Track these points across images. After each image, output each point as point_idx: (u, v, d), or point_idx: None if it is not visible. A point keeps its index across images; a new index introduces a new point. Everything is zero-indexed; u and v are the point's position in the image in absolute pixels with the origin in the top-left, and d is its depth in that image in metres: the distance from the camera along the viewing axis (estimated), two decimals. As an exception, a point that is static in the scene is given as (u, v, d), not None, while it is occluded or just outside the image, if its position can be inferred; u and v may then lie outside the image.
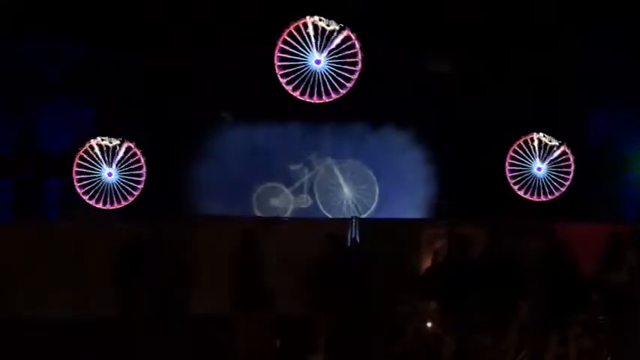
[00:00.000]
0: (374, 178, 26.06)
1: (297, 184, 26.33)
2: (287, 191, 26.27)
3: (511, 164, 25.32)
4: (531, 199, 25.21)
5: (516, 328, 12.07)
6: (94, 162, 24.86)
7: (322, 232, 12.89)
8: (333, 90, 24.57)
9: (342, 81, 24.57)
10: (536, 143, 25.21)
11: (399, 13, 24.86)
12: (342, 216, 24.00)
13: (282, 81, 24.36)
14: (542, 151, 25.23)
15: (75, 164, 24.69)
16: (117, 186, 24.98)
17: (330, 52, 24.54)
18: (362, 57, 24.45)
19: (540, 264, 11.96)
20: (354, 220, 15.72)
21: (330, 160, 26.28)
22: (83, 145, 24.89)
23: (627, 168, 25.10)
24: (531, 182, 25.29)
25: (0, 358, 12.75)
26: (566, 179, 25.12)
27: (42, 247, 15.20)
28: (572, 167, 25.11)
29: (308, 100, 24.46)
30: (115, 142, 24.97)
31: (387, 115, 25.03)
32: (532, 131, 25.37)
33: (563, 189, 25.10)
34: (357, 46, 24.53)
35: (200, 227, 14.61)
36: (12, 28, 24.34)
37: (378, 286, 13.04)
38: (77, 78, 25.29)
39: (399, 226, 16.45)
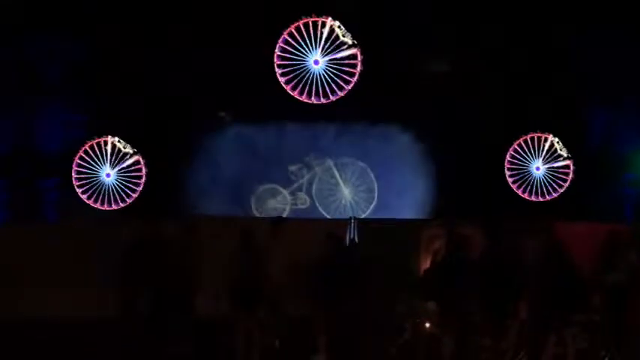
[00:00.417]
0: (372, 178, 26.06)
1: (295, 185, 26.34)
2: (285, 192, 26.28)
3: (510, 162, 25.33)
4: (529, 199, 25.23)
5: (515, 328, 12.11)
6: (93, 162, 24.85)
7: (321, 232, 12.94)
8: (331, 93, 24.56)
9: (341, 83, 24.56)
10: (547, 145, 25.20)
11: (398, 13, 24.86)
12: (340, 216, 23.99)
13: (281, 80, 24.36)
14: (544, 152, 25.26)
15: (75, 163, 24.67)
16: (115, 187, 24.96)
17: (331, 59, 24.52)
18: (361, 59, 24.41)
19: (539, 264, 12.01)
20: (352, 221, 15.76)
21: (328, 161, 26.28)
22: (83, 145, 24.85)
23: (626, 168, 25.11)
24: (530, 182, 25.32)
25: (-1, 359, 12.82)
26: (564, 180, 25.15)
27: (41, 248, 15.24)
28: (572, 168, 25.13)
29: (306, 101, 24.47)
30: (129, 150, 24.96)
31: (386, 116, 25.02)
32: (530, 131, 25.38)
33: (561, 190, 25.11)
34: (359, 54, 24.50)
35: (200, 227, 14.62)
36: (10, 28, 24.34)
37: (376, 286, 13.11)
38: (75, 77, 25.29)
39: (398, 226, 16.46)
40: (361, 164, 26.10)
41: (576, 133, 25.74)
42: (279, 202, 26.14)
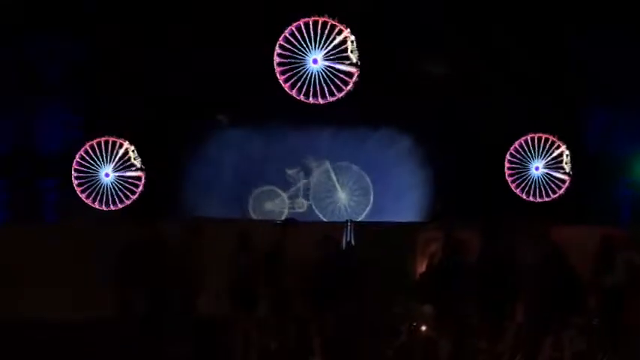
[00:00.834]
0: (369, 181, 26.07)
1: (293, 188, 26.38)
2: (283, 195, 26.31)
3: (510, 160, 25.39)
4: (527, 199, 25.30)
5: (512, 331, 12.15)
6: (92, 162, 24.88)
7: (318, 235, 12.99)
8: (329, 93, 24.63)
9: (333, 88, 24.62)
10: (556, 154, 25.29)
11: (397, 14, 24.89)
12: (337, 219, 24.01)
13: (280, 78, 24.41)
14: (543, 152, 25.34)
15: (75, 162, 24.68)
16: (114, 187, 24.99)
17: (327, 52, 24.55)
18: (355, 80, 24.48)
19: (536, 267, 12.04)
20: (349, 224, 15.81)
21: (326, 164, 26.30)
22: (83, 144, 24.87)
23: (623, 171, 25.16)
24: (529, 181, 25.40)
25: (-2, 360, 12.87)
26: (564, 180, 25.22)
27: (40, 248, 15.26)
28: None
29: (304, 101, 24.52)
30: (137, 163, 24.99)
31: (383, 119, 25.05)
32: (530, 132, 25.46)
33: (560, 191, 25.18)
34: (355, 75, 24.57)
35: (199, 229, 14.65)
36: (10, 28, 24.34)
37: (373, 289, 13.12)
38: (75, 77, 25.30)
39: (395, 229, 16.55)
40: (358, 167, 26.10)
41: (575, 135, 25.77)
42: (277, 205, 26.16)
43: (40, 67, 25.21)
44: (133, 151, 24.86)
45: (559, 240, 12.40)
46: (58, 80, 25.27)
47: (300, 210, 26.03)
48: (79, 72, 25.37)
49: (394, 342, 13.32)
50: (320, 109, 24.54)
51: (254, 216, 25.36)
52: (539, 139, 25.26)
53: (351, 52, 24.26)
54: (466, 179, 24.63)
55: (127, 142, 24.87)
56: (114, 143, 24.86)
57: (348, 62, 24.30)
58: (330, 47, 24.33)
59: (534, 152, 25.23)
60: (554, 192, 25.19)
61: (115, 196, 24.89)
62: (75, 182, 24.55)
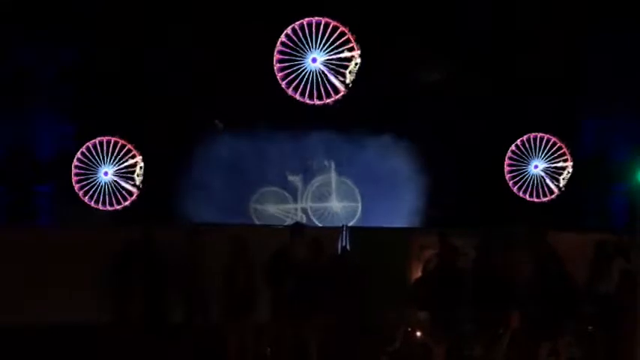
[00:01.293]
0: (368, 186, 26.03)
1: (290, 193, 26.35)
2: (283, 199, 26.28)
3: (510, 157, 25.47)
4: (526, 198, 25.40)
5: (506, 338, 12.12)
6: (92, 161, 24.86)
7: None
8: (326, 95, 24.72)
9: (338, 84, 24.67)
10: (559, 165, 25.42)
11: (395, 20, 24.90)
12: (333, 224, 23.99)
13: (279, 75, 24.46)
14: (543, 152, 25.46)
15: (75, 159, 24.64)
16: (113, 187, 24.96)
17: (329, 58, 24.63)
18: (339, 98, 24.54)
19: (531, 273, 12.02)
20: (344, 229, 15.77)
21: (324, 169, 26.30)
22: (79, 148, 24.86)
23: (618, 178, 25.16)
24: (528, 181, 25.51)
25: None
26: (553, 191, 25.32)
27: (37, 252, 15.19)
28: (570, 163, 25.31)
29: (300, 99, 24.60)
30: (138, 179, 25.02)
31: (383, 125, 25.05)
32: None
33: (560, 185, 25.33)
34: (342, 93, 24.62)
35: (197, 234, 14.60)
36: (3, 32, 24.28)
37: (367, 294, 13.10)
38: (72, 81, 25.23)
39: (390, 234, 16.54)
40: (356, 173, 26.07)
41: (570, 141, 25.82)
42: (275, 210, 26.13)
43: (37, 69, 25.08)
44: (140, 167, 24.91)
45: (555, 246, 12.40)
46: (55, 82, 25.13)
47: (297, 215, 25.96)
48: (73, 75, 25.24)
49: (388, 348, 13.28)
50: (316, 114, 24.59)
51: (256, 221, 25.32)
52: (542, 138, 25.43)
53: (349, 72, 24.41)
54: (462, 185, 24.64)
55: (140, 158, 24.92)
56: (115, 143, 24.86)
57: (342, 79, 24.43)
58: (333, 54, 24.44)
59: (533, 151, 25.36)
60: (552, 192, 25.30)
61: (114, 197, 24.86)
62: (74, 179, 24.53)
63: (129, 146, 24.97)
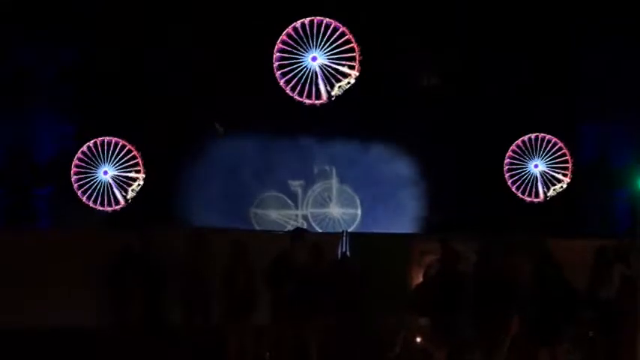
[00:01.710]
0: (368, 192, 26.05)
1: (291, 199, 26.35)
2: (284, 204, 26.28)
3: (510, 156, 25.52)
4: (525, 198, 25.41)
5: (507, 344, 12.10)
6: (90, 161, 24.87)
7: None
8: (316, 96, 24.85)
9: (323, 91, 24.72)
10: (558, 176, 25.45)
11: (394, 22, 24.95)
12: (333, 230, 24.00)
13: (277, 72, 24.52)
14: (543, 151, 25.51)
15: (76, 157, 24.65)
16: (112, 185, 24.98)
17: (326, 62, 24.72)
18: (324, 103, 24.63)
19: (531, 279, 12.02)
20: (345, 234, 15.78)
21: (325, 175, 26.31)
22: (78, 150, 24.87)
23: (619, 183, 25.15)
24: (528, 180, 25.54)
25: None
26: (564, 176, 25.34)
27: (36, 254, 15.18)
28: (571, 162, 25.32)
29: (302, 100, 24.66)
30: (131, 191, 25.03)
31: (383, 130, 25.08)
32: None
33: (544, 198, 25.35)
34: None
35: (197, 238, 14.59)
36: (3, 33, 24.30)
37: (368, 300, 13.10)
38: (72, 81, 25.24)
39: (390, 240, 16.53)
40: (356, 179, 26.07)
41: (572, 147, 25.83)
42: (276, 216, 26.12)
43: (37, 69, 25.09)
44: (139, 185, 24.93)
45: (555, 252, 12.40)
46: (55, 83, 25.15)
47: (298, 221, 25.95)
48: (72, 78, 25.25)
49: (389, 353, 13.27)
50: (316, 120, 24.64)
51: (257, 226, 25.32)
52: (543, 138, 25.49)
53: (339, 87, 24.51)
54: (462, 189, 24.63)
55: (142, 176, 25.06)
56: (116, 144, 24.95)
57: (329, 89, 24.52)
58: (334, 60, 24.50)
59: (536, 150, 25.41)
60: (537, 196, 25.39)
61: (112, 196, 24.85)
62: (74, 179, 24.53)
63: (129, 147, 25.00)
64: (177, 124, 24.92)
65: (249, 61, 24.45)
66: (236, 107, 25.01)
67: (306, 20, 24.75)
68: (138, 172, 25.21)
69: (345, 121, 24.91)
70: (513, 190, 25.55)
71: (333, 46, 24.97)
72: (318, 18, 24.82)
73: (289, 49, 24.90)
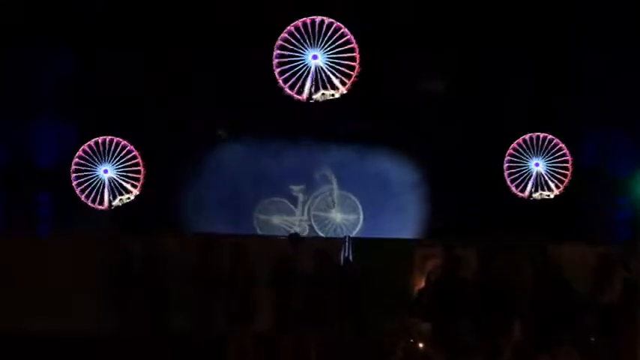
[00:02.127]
0: (369, 197, 26.02)
1: (293, 204, 26.35)
2: (287, 209, 26.28)
3: (510, 155, 25.54)
4: (525, 197, 25.43)
5: (508, 349, 12.10)
6: (90, 161, 24.92)
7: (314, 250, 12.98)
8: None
9: (306, 91, 24.80)
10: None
11: (392, 28, 24.96)
12: (335, 235, 23.97)
13: (276, 70, 24.58)
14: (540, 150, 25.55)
15: (76, 156, 24.68)
16: (112, 185, 25.00)
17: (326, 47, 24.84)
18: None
19: (532, 285, 12.03)
20: (347, 240, 15.77)
21: (327, 180, 26.29)
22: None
23: (620, 191, 25.14)
24: (526, 178, 25.58)
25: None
26: (565, 175, 25.37)
27: (37, 260, 15.18)
28: (571, 161, 25.35)
29: (297, 97, 24.72)
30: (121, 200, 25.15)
31: (384, 135, 25.07)
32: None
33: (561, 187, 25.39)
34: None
35: (198, 244, 14.61)
36: (4, 39, 24.32)
37: (370, 305, 13.10)
38: (72, 85, 25.24)
39: (393, 245, 16.51)
40: (358, 184, 26.06)
41: (571, 150, 25.82)
42: (278, 221, 26.12)
43: (34, 78, 25.09)
44: (128, 198, 25.07)
45: (556, 258, 12.40)
46: (54, 91, 25.15)
47: (300, 227, 25.93)
48: (72, 83, 25.25)
49: (391, 358, 13.25)
50: (316, 126, 24.68)
51: (259, 231, 25.31)
52: (544, 138, 25.50)
53: (322, 94, 24.63)
54: (463, 194, 24.60)
55: (137, 191, 25.09)
56: (117, 143, 24.98)
57: (312, 91, 24.56)
58: (330, 66, 24.56)
59: (532, 150, 25.43)
60: (522, 192, 25.43)
61: (99, 194, 24.88)
62: (73, 177, 24.58)
63: (135, 153, 25.04)
64: (179, 130, 24.91)
65: (249, 63, 24.43)
66: (238, 112, 25.04)
67: (308, 19, 24.80)
68: (135, 186, 25.15)
69: (345, 125, 24.88)
70: (508, 183, 25.48)
71: (334, 45, 24.97)
72: (321, 18, 24.86)
73: (290, 46, 24.94)
